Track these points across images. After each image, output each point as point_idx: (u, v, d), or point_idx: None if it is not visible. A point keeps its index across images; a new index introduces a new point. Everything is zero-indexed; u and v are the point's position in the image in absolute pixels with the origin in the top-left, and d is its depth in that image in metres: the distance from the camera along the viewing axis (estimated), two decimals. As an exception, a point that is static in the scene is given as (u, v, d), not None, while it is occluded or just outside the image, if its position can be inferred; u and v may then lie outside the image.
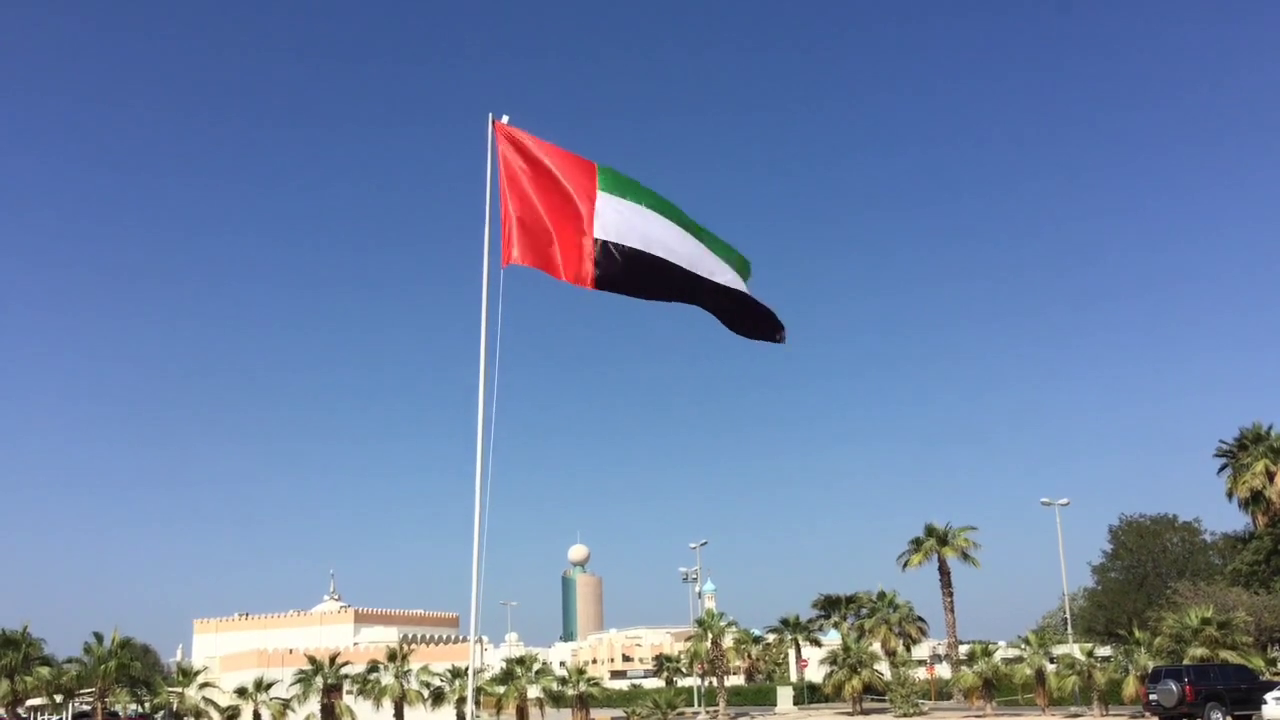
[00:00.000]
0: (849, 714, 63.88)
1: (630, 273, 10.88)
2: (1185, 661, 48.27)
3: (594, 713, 66.38)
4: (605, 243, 10.85)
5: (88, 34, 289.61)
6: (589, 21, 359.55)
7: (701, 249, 11.10)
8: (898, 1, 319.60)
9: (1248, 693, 42.69)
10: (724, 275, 11.11)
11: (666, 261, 10.90)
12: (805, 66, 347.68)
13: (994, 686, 57.25)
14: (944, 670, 79.20)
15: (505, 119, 11.67)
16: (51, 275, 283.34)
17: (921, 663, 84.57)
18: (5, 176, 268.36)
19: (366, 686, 67.07)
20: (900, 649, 72.38)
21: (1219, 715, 42.57)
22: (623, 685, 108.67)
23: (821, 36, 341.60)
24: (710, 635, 72.60)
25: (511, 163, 11.51)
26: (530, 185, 11.41)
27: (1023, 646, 56.75)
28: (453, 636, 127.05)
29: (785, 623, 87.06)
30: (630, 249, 10.84)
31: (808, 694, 77.10)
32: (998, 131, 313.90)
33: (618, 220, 10.96)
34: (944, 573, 69.97)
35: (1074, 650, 58.05)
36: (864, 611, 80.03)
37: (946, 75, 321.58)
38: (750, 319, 11.25)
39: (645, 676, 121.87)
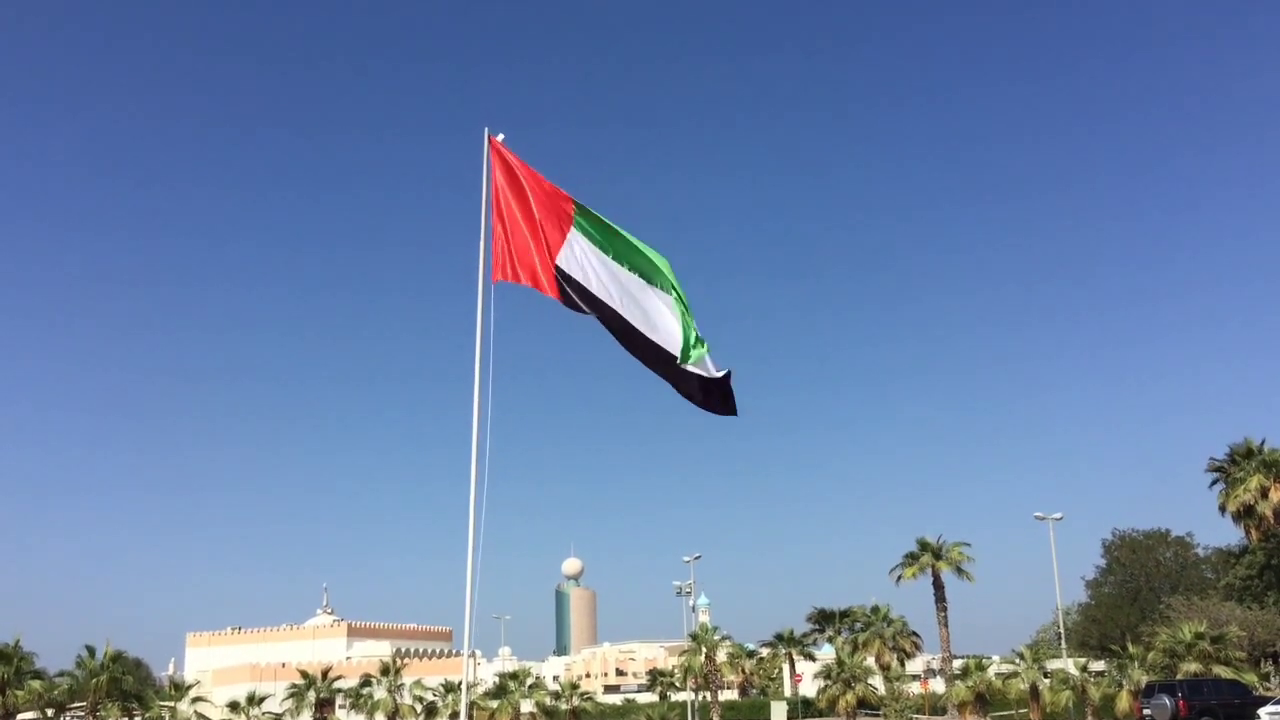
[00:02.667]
0: (843, 729, 63.76)
1: (586, 302, 11.14)
2: (1179, 676, 48.31)
3: (587, 727, 66.27)
4: (562, 270, 11.15)
5: (89, 38, 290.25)
6: (586, 33, 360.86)
7: (657, 308, 10.93)
8: (892, 7, 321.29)
9: (1241, 708, 42.73)
10: (669, 343, 10.81)
11: (616, 313, 10.98)
12: (804, 74, 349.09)
13: (987, 701, 57.19)
14: (938, 685, 79.09)
15: (500, 136, 11.81)
16: (45, 280, 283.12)
17: (915, 677, 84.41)
18: (4, 180, 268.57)
19: (359, 701, 66.91)
20: (894, 663, 72.30)
21: (1212, 730, 42.61)
22: (616, 700, 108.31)
23: (819, 43, 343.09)
24: (704, 649, 72.47)
25: (505, 179, 11.65)
26: (522, 203, 11.55)
27: (1017, 661, 56.70)
28: (446, 650, 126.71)
29: (779, 637, 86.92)
30: (584, 289, 11.11)
31: (802, 709, 76.96)
32: (994, 141, 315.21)
33: (580, 259, 11.23)
34: (938, 587, 69.93)
35: (1068, 665, 58.05)
36: (858, 626, 79.96)
37: (942, 84, 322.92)
38: (689, 384, 10.86)
39: (639, 691, 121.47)
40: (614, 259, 11.10)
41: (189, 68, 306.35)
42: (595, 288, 11.05)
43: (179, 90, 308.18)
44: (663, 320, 10.88)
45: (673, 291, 10.89)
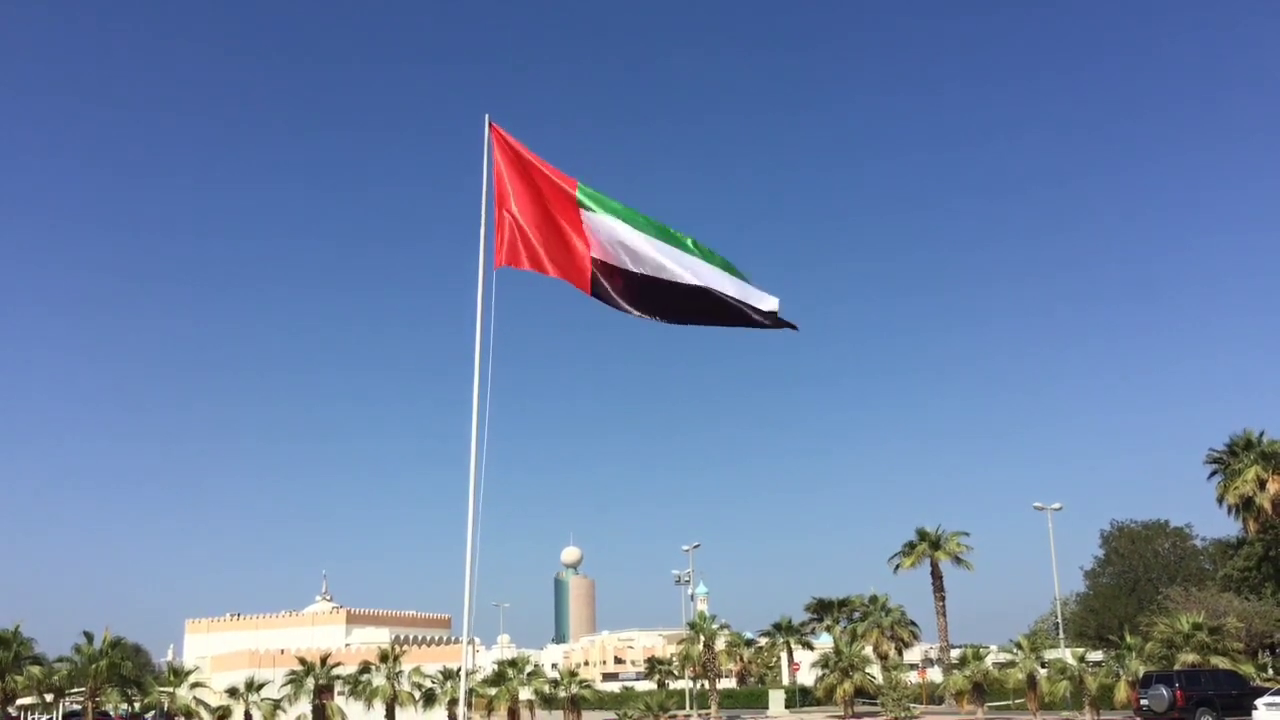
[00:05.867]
0: (840, 717, 63.86)
1: (618, 288, 10.98)
2: (1176, 667, 48.37)
3: (586, 715, 66.29)
4: (598, 260, 10.99)
5: (90, 35, 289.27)
6: (588, 25, 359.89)
7: (677, 252, 10.88)
8: (903, 4, 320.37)
9: (1238, 698, 42.80)
10: (707, 276, 10.79)
11: (648, 277, 10.85)
12: (810, 69, 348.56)
13: (985, 690, 57.25)
14: (936, 674, 79.27)
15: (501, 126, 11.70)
16: (47, 274, 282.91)
17: (913, 666, 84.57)
18: (6, 176, 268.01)
19: (358, 688, 66.85)
20: (892, 652, 72.43)
21: (1209, 720, 42.68)
22: (615, 688, 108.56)
23: (826, 39, 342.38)
24: (702, 638, 72.55)
25: (507, 166, 11.56)
26: (525, 189, 11.46)
27: (1014, 651, 56.78)
28: (445, 638, 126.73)
29: (778, 626, 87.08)
30: (617, 267, 10.94)
31: (800, 697, 77.12)
32: (996, 137, 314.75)
33: (601, 237, 11.09)
34: (936, 576, 70.08)
35: (1065, 655, 58.13)
36: (856, 615, 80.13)
37: (949, 80, 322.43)
38: (742, 313, 10.89)
39: (637, 679, 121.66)
40: (628, 223, 11.02)
41: (188, 63, 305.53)
42: (628, 262, 10.96)
43: (177, 86, 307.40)
44: (698, 266, 10.81)
45: (696, 250, 10.83)
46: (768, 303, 10.69)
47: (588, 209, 11.15)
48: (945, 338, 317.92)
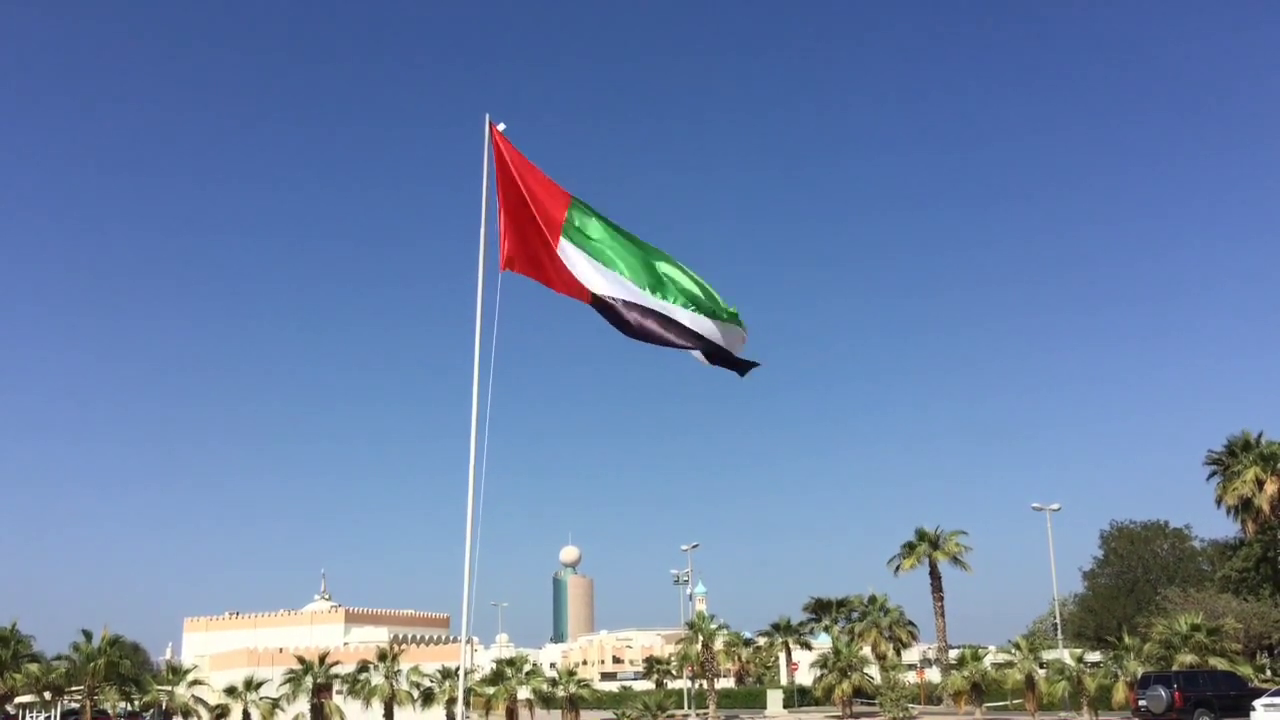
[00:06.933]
0: (839, 717, 63.86)
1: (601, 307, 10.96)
2: (1174, 668, 48.39)
3: (584, 714, 66.22)
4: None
5: (89, 34, 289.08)
6: (588, 24, 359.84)
7: (655, 302, 10.72)
8: (901, 5, 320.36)
9: (1236, 699, 42.83)
10: (681, 316, 10.65)
11: (619, 307, 10.78)
12: (807, 69, 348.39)
13: (983, 691, 57.24)
14: (934, 674, 79.28)
15: (501, 126, 11.66)
16: (44, 273, 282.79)
17: (912, 667, 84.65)
18: (10, 174, 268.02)
19: (356, 686, 66.81)
20: (891, 653, 72.43)
21: (1207, 721, 42.71)
22: (613, 687, 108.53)
23: (824, 39, 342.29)
24: (701, 638, 72.55)
25: (507, 168, 11.54)
26: (523, 192, 11.44)
27: (1013, 651, 56.76)
28: (443, 637, 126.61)
29: (776, 626, 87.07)
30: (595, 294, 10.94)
31: (798, 697, 77.17)
32: (993, 138, 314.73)
33: (574, 268, 11.05)
34: (935, 577, 70.12)
35: (1064, 655, 58.12)
36: (855, 615, 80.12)
37: (948, 81, 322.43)
38: (715, 350, 10.76)
39: (635, 678, 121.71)
40: (607, 267, 10.90)
41: (188, 61, 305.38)
42: (594, 286, 10.91)
43: (176, 84, 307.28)
44: (676, 313, 10.65)
45: (680, 298, 10.65)
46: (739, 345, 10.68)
47: (570, 238, 11.10)
48: (944, 338, 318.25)
